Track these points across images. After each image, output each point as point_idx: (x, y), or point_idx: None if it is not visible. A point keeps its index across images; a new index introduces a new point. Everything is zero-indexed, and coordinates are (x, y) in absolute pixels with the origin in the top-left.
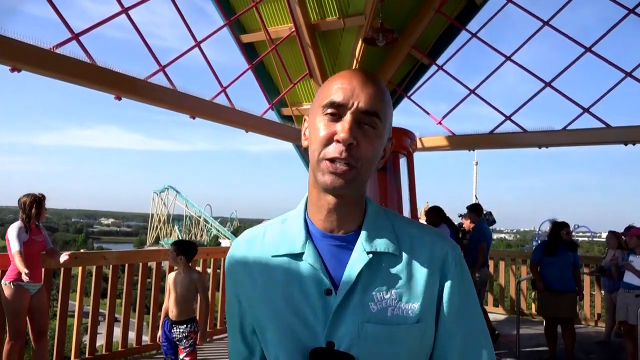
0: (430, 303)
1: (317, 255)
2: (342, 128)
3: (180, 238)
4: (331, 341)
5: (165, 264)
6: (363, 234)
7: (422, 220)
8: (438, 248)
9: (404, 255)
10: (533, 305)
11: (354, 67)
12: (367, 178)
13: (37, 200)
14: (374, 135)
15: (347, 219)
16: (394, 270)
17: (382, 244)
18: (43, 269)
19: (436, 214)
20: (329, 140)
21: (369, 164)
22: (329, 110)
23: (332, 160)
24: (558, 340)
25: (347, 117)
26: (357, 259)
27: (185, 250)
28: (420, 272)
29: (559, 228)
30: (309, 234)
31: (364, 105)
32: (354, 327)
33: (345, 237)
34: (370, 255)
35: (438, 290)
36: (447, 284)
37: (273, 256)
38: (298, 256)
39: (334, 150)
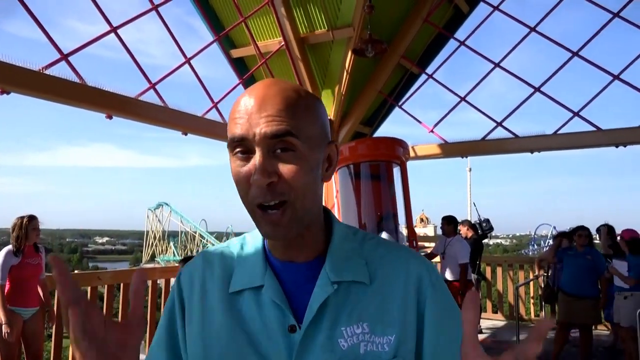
0: (408, 331)
1: (278, 288)
2: (254, 168)
3: (176, 254)
4: None
5: (162, 282)
6: (328, 262)
7: (420, 227)
8: (412, 268)
9: (375, 281)
10: (532, 310)
11: (343, 79)
12: (310, 206)
13: (24, 222)
14: (295, 158)
15: (307, 247)
16: (364, 301)
17: (349, 272)
18: (42, 292)
19: (447, 224)
20: (246, 184)
21: (303, 192)
22: (236, 150)
23: (261, 207)
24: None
25: (256, 153)
26: (321, 291)
27: None
28: (394, 298)
29: (572, 233)
30: (268, 263)
31: (268, 129)
32: None
33: (308, 265)
34: (336, 286)
35: (416, 319)
36: (428, 312)
37: (231, 293)
38: (258, 289)
39: (256, 194)
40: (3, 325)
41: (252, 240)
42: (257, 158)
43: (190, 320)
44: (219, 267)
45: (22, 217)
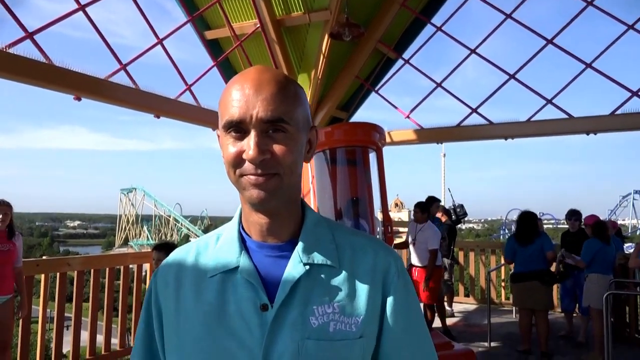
0: (373, 317)
1: (252, 268)
2: (248, 146)
3: (150, 238)
4: None
5: (134, 267)
6: (300, 244)
7: (394, 212)
8: (380, 259)
9: (345, 267)
10: (502, 294)
11: (320, 63)
12: (294, 182)
13: None
14: (286, 138)
15: (282, 228)
16: (334, 283)
17: (320, 256)
18: (15, 280)
19: (422, 212)
20: (239, 159)
21: (290, 169)
22: (230, 130)
23: (250, 175)
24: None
25: (251, 133)
26: (292, 271)
27: (167, 253)
28: (362, 285)
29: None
30: (244, 247)
31: (264, 115)
32: (293, 344)
33: (280, 246)
34: (307, 267)
35: (380, 304)
36: (390, 299)
37: (209, 277)
38: (233, 271)
39: (247, 168)
40: None
41: (229, 228)
42: (252, 138)
43: (166, 315)
44: (194, 258)
45: None
